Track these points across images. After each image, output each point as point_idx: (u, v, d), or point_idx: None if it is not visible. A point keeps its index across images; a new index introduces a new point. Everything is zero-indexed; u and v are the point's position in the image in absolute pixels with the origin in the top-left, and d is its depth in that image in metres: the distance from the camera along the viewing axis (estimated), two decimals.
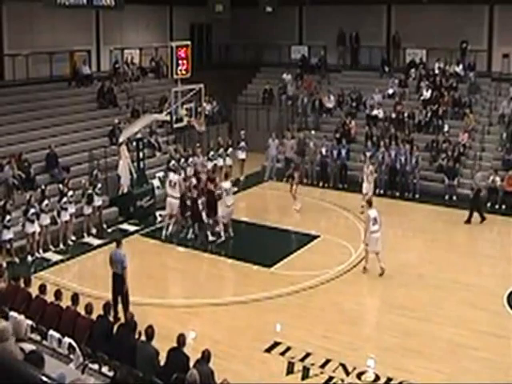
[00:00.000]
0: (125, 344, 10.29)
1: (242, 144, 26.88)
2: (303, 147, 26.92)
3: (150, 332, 10.14)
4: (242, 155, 26.90)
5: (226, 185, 20.00)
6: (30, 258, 18.25)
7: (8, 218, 17.99)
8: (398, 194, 24.27)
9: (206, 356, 9.76)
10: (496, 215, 21.99)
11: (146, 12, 31.56)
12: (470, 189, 22.42)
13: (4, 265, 17.67)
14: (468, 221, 21.40)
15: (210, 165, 24.84)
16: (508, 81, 28.25)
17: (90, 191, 20.41)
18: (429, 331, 14.01)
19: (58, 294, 11.49)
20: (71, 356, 10.12)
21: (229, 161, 26.04)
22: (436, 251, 19.23)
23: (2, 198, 19.20)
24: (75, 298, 11.27)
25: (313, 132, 27.53)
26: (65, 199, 19.35)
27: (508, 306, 15.33)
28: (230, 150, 26.21)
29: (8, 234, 18.03)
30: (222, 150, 25.66)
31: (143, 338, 10.21)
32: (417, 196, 24.15)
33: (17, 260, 18.07)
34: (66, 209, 19.29)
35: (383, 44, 32.78)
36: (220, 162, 25.43)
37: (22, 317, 8.93)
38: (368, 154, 24.98)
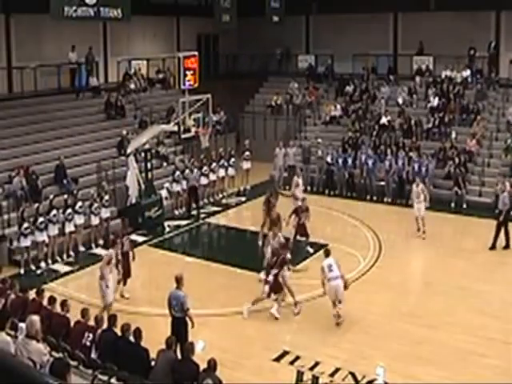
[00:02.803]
0: (131, 354, 10.33)
1: (247, 154, 26.84)
2: (308, 155, 27.02)
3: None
4: (246, 165, 26.80)
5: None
6: (39, 270, 18.37)
7: (25, 225, 18.16)
8: (409, 202, 24.15)
9: (212, 365, 9.77)
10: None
11: (153, 23, 31.75)
12: (494, 203, 22.19)
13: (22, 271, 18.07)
14: (493, 246, 19.74)
15: (212, 177, 24.91)
16: None
17: (105, 197, 20.78)
18: (438, 339, 13.96)
19: (64, 305, 11.52)
20: (80, 367, 10.18)
21: (231, 171, 26.09)
22: (445, 259, 19.18)
23: (14, 209, 19.45)
24: (85, 313, 11.28)
25: (319, 140, 27.52)
26: (69, 210, 19.44)
27: None
28: (233, 160, 26.20)
29: (25, 242, 18.22)
30: (223, 161, 25.70)
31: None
32: (427, 205, 23.92)
33: (22, 271, 18.21)
34: (70, 220, 19.38)
35: (390, 52, 32.86)
36: (221, 172, 25.53)
37: (35, 316, 9.00)
38: (370, 161, 25.13)
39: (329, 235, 20.91)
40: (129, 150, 22.51)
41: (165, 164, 25.64)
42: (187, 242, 21.91)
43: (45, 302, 11.84)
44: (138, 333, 10.58)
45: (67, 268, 18.69)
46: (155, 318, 14.52)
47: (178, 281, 12.88)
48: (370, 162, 25.29)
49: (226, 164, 25.76)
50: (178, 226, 22.46)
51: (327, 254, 15.48)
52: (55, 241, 19.07)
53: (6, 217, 19.46)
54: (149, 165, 22.90)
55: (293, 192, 22.15)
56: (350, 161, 25.99)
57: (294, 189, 22.18)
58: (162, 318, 13.60)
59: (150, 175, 22.91)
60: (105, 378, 9.56)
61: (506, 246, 19.86)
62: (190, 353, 10.22)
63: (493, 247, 19.69)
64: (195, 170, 24.23)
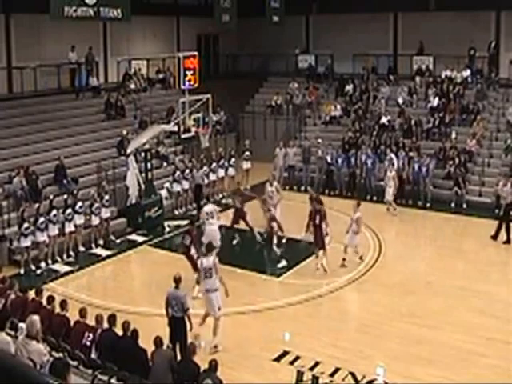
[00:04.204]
0: (130, 355, 10.33)
1: (247, 154, 26.84)
2: (308, 155, 27.01)
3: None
4: (246, 165, 26.78)
5: (209, 208, 19.22)
6: (38, 270, 18.37)
7: (25, 225, 18.15)
8: (410, 202, 24.17)
9: (213, 366, 9.77)
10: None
11: (153, 23, 31.76)
12: (495, 203, 22.37)
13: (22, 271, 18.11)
14: (495, 237, 20.28)
15: (212, 177, 24.92)
16: None
17: (105, 197, 20.73)
18: (438, 339, 13.94)
19: (63, 305, 11.52)
20: (80, 367, 10.18)
21: (231, 171, 26.09)
22: (445, 259, 19.18)
23: (14, 209, 19.45)
24: (83, 313, 11.27)
25: (319, 140, 27.50)
26: (69, 210, 19.43)
27: None
28: (233, 160, 26.20)
29: (25, 242, 18.19)
30: (223, 161, 25.70)
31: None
32: (428, 205, 24.03)
33: (22, 271, 18.20)
34: (70, 220, 19.38)
35: (390, 52, 32.87)
36: (221, 173, 25.53)
37: (35, 316, 8.99)
38: (369, 161, 25.14)
39: (329, 235, 20.85)
40: (129, 150, 22.51)
41: (165, 164, 25.64)
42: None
43: (44, 302, 11.84)
44: (135, 334, 10.60)
45: (67, 268, 18.67)
46: (155, 318, 14.50)
47: (177, 281, 12.88)
48: (370, 162, 25.28)
49: (226, 164, 25.76)
50: (178, 226, 22.43)
51: (359, 204, 18.82)
52: (55, 241, 19.06)
53: (6, 217, 19.45)
54: (149, 165, 22.88)
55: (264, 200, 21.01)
56: (350, 160, 25.96)
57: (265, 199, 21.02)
58: (162, 318, 13.59)
59: (150, 175, 22.89)
60: (105, 378, 9.56)
61: (507, 241, 20.03)
62: (192, 353, 10.23)
63: (494, 238, 20.25)
64: (202, 169, 24.45)
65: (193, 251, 16.60)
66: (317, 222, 17.84)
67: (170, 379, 10.17)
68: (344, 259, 18.15)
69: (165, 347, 10.68)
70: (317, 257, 17.91)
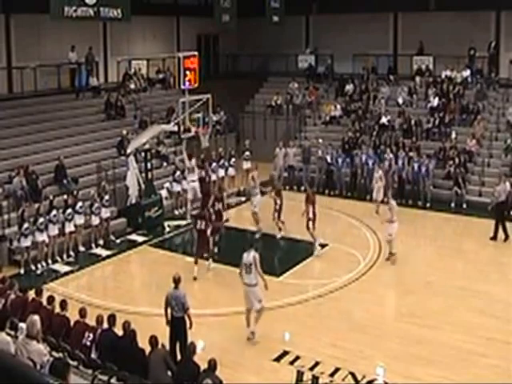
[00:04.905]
0: (130, 355, 10.32)
1: (247, 154, 26.80)
2: (308, 155, 27.00)
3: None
4: (246, 165, 26.69)
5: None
6: (38, 270, 18.36)
7: (26, 225, 18.15)
8: (410, 202, 24.14)
9: (212, 366, 9.76)
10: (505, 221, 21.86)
11: (153, 23, 31.76)
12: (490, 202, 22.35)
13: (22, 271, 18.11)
14: (494, 237, 20.44)
15: (213, 176, 24.95)
16: None
17: (105, 197, 20.75)
18: (438, 339, 13.94)
19: (63, 305, 11.51)
20: (80, 367, 10.18)
21: (231, 171, 26.07)
22: (445, 259, 19.18)
23: (14, 209, 19.45)
24: (83, 313, 11.27)
25: (320, 140, 27.48)
26: (69, 210, 19.42)
27: None
28: (233, 160, 26.16)
29: (25, 242, 18.19)
30: (223, 161, 25.69)
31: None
32: (428, 205, 24.04)
33: (22, 271, 18.19)
34: (70, 220, 19.37)
35: (390, 52, 32.86)
36: (221, 172, 25.50)
37: (36, 316, 8.99)
38: (370, 161, 25.11)
39: (329, 235, 20.87)
40: (129, 150, 22.50)
41: (165, 164, 25.64)
42: (187, 242, 21.87)
43: (44, 302, 11.84)
44: (132, 334, 10.59)
45: (67, 268, 18.68)
46: (155, 318, 14.48)
47: (176, 281, 12.87)
48: (370, 162, 25.28)
49: (226, 164, 25.75)
50: (178, 226, 22.44)
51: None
52: (55, 241, 19.06)
53: (6, 217, 19.45)
54: (149, 165, 22.88)
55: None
56: (354, 159, 25.95)
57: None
58: (162, 318, 13.59)
59: (150, 175, 22.88)
60: (105, 378, 9.56)
61: (506, 238, 20.26)
62: (192, 353, 10.22)
63: (494, 238, 20.45)
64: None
65: (208, 232, 18.02)
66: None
67: (168, 378, 10.18)
68: (390, 253, 18.73)
69: (160, 346, 10.65)
70: (314, 240, 19.33)
